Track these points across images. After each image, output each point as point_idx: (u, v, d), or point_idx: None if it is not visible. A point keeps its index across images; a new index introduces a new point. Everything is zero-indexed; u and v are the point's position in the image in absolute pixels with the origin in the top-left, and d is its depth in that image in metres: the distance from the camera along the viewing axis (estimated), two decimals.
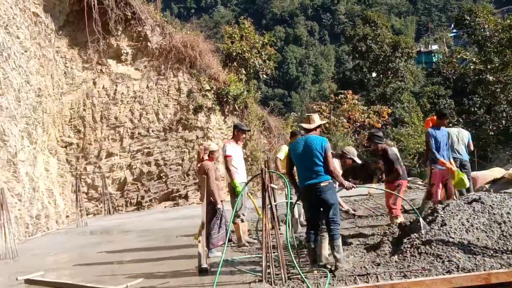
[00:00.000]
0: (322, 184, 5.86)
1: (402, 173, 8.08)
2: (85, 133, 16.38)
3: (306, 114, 6.54)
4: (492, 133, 26.27)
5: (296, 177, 6.29)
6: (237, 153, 8.12)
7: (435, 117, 9.34)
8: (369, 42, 33.22)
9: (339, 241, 5.94)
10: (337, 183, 6.45)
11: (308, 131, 6.20)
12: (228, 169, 7.89)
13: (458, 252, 5.74)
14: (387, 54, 33.30)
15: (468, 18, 29.57)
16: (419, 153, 24.16)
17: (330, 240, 5.95)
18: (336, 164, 6.62)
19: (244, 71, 18.93)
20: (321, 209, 5.97)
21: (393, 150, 8.33)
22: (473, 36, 29.65)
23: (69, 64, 16.62)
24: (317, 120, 6.28)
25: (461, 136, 9.86)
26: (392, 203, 7.99)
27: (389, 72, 33.86)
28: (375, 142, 8.29)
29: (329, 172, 5.93)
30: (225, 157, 7.92)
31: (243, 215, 8.03)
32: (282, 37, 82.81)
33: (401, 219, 7.87)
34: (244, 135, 8.51)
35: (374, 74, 34.92)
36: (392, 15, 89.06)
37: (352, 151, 7.03)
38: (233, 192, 7.87)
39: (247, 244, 7.85)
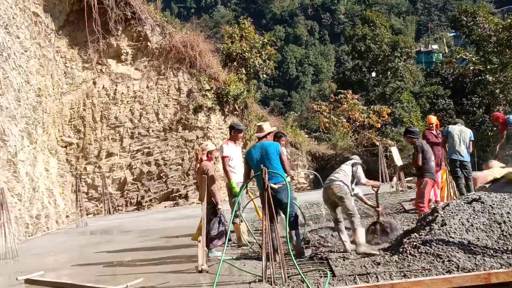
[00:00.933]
0: (277, 186, 6.46)
1: (429, 171, 8.17)
2: (85, 133, 16.38)
3: (257, 124, 7.22)
4: (492, 133, 26.23)
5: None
6: (235, 153, 8.11)
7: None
8: (368, 42, 33.19)
9: (297, 231, 6.76)
10: (354, 191, 7.05)
11: (260, 138, 7.04)
12: (225, 170, 7.91)
13: (458, 252, 5.75)
14: (386, 54, 33.27)
15: (465, 18, 29.47)
16: None
17: (289, 229, 6.60)
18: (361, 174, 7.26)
19: (244, 71, 18.93)
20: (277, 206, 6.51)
21: (425, 145, 8.41)
22: (471, 36, 29.57)
23: (69, 64, 16.62)
24: (267, 128, 7.10)
25: (463, 137, 9.87)
26: (419, 201, 8.10)
27: (389, 72, 33.83)
28: (409, 136, 8.40)
29: (286, 171, 6.80)
30: (222, 158, 7.94)
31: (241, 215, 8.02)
32: (282, 37, 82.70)
33: None
34: (241, 135, 8.51)
35: (373, 74, 34.89)
36: (392, 15, 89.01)
37: (356, 158, 7.51)
38: (231, 192, 7.87)
39: (247, 244, 7.85)
